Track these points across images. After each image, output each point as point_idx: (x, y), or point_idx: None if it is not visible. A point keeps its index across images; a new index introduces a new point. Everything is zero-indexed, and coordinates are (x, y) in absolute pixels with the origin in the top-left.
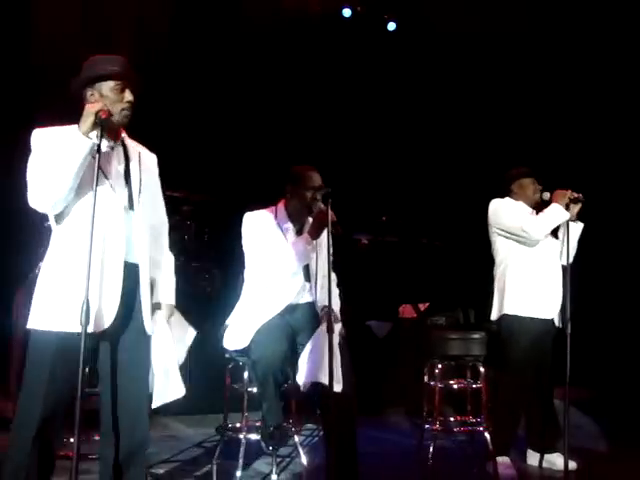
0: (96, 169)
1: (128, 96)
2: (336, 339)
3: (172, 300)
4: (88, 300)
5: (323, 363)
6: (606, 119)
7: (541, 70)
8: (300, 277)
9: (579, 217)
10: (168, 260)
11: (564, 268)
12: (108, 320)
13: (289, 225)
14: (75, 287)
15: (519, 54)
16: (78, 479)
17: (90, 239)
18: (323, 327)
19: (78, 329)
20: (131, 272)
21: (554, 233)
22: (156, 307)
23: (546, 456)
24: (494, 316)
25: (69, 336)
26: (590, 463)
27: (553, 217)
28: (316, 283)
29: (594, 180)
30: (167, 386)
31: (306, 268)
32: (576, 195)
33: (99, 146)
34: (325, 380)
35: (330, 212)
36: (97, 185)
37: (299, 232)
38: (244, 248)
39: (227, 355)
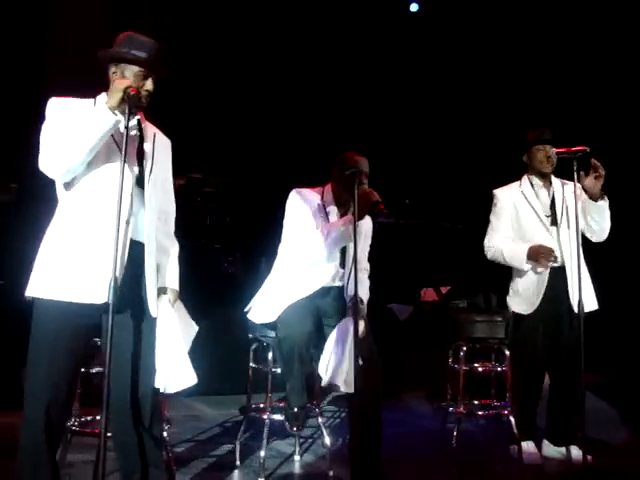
0: (124, 145)
1: (148, 85)
2: (361, 328)
3: (177, 285)
4: (116, 278)
5: (342, 366)
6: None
7: (567, 50)
8: (336, 263)
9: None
10: (175, 246)
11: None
12: (107, 294)
13: (334, 208)
14: (80, 257)
15: (545, 35)
16: (106, 456)
17: (117, 216)
18: (347, 321)
19: (81, 299)
20: (136, 250)
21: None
22: (161, 291)
23: (560, 448)
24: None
25: (72, 306)
26: (607, 453)
27: (511, 259)
28: (350, 272)
29: (622, 165)
30: (177, 373)
31: (343, 255)
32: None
33: (127, 122)
34: (341, 384)
35: (374, 192)
36: (109, 160)
37: (343, 217)
38: (284, 222)
39: (250, 335)
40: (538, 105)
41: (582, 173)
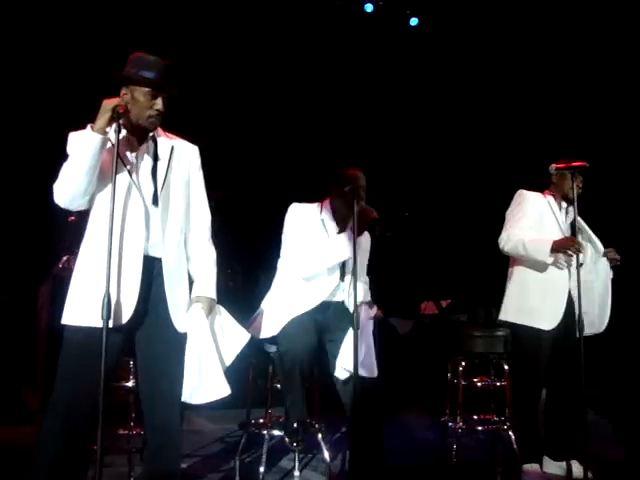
0: (114, 162)
1: (158, 104)
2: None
3: (212, 294)
4: (109, 294)
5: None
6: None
7: (566, 62)
8: (336, 275)
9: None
10: (208, 254)
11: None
12: (126, 314)
13: (332, 223)
14: (97, 282)
15: (545, 50)
16: (102, 472)
17: (109, 234)
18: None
19: (99, 324)
20: (154, 266)
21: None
22: (194, 301)
23: (561, 463)
24: (502, 316)
25: (93, 331)
26: (608, 468)
27: (533, 250)
28: (351, 282)
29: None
30: (207, 383)
31: (342, 268)
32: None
33: (118, 140)
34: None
35: (373, 210)
36: (115, 179)
37: (341, 232)
38: (284, 236)
39: (250, 350)
40: (537, 118)
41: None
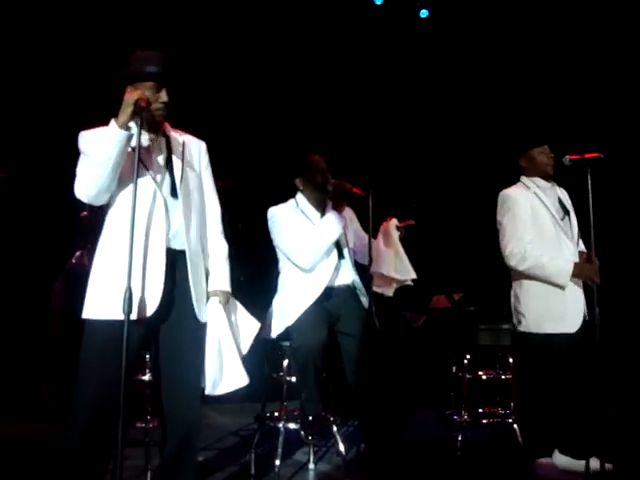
0: (136, 158)
1: (163, 97)
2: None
3: (227, 287)
4: (130, 288)
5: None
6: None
7: (575, 57)
8: (334, 256)
9: None
10: (221, 247)
11: None
12: (151, 307)
13: (311, 210)
14: (118, 276)
15: (557, 44)
16: (122, 465)
17: (131, 228)
18: None
19: (122, 316)
20: (177, 259)
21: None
22: (212, 295)
23: (579, 462)
24: (523, 329)
25: (116, 324)
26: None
27: (553, 275)
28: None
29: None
30: (227, 374)
31: (338, 247)
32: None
33: (139, 135)
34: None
35: (345, 183)
36: (137, 175)
37: (323, 215)
38: (275, 241)
39: (265, 343)
40: (547, 109)
41: None
